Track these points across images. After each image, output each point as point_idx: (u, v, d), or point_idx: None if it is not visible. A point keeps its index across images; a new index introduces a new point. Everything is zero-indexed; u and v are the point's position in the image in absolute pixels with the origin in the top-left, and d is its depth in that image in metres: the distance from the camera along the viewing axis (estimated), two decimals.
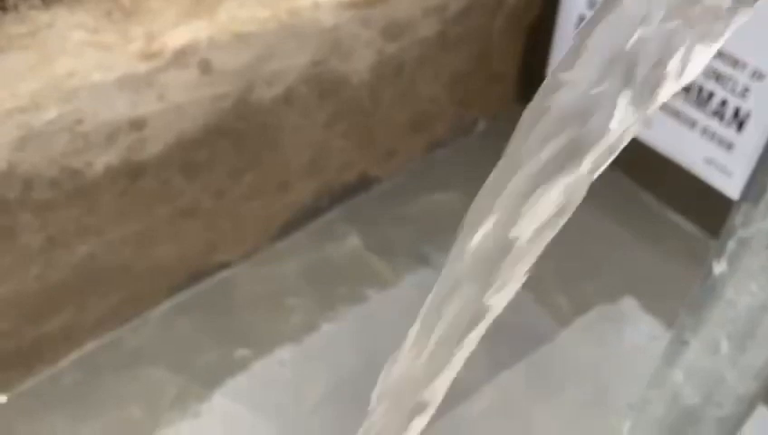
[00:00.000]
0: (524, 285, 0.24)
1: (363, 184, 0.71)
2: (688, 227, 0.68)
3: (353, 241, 0.69)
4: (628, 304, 0.44)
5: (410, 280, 0.66)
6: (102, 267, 0.55)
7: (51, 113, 0.47)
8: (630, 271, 0.61)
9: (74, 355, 0.59)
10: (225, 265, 0.64)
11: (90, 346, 0.59)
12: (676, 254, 0.66)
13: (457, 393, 0.42)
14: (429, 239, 0.70)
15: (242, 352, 0.61)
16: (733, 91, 0.60)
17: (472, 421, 0.39)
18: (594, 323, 0.43)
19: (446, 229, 0.80)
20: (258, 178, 0.61)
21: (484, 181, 0.20)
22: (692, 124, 0.64)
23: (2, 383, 0.55)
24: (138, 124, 0.51)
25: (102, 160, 0.51)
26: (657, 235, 0.69)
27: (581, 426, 0.39)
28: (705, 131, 0.63)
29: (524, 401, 0.40)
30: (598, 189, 0.25)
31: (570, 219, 0.23)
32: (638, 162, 0.68)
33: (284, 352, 0.61)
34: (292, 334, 0.62)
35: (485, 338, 0.25)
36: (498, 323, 0.27)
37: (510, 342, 0.49)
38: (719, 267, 0.24)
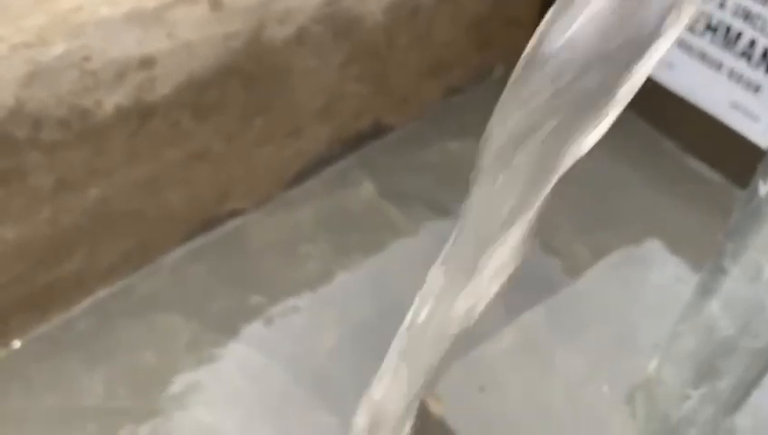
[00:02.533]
0: (541, 235, 0.23)
1: (377, 131, 0.69)
2: (710, 174, 0.66)
3: (368, 189, 0.68)
4: (653, 247, 0.43)
5: (426, 229, 0.65)
6: (114, 212, 0.55)
7: (58, 49, 0.45)
8: (650, 219, 0.60)
9: (87, 302, 0.58)
10: (237, 213, 0.63)
11: (102, 293, 0.59)
12: (697, 202, 0.64)
13: (476, 336, 0.41)
14: (446, 187, 0.69)
15: (256, 299, 0.60)
16: (762, 30, 0.57)
17: (492, 362, 0.38)
18: (617, 265, 0.42)
19: (463, 177, 0.78)
20: (270, 123, 0.60)
21: None
22: (718, 66, 0.62)
23: (16, 329, 0.55)
24: (147, 63, 0.50)
25: (112, 100, 0.49)
26: (678, 182, 0.67)
27: (606, 365, 0.38)
28: (731, 74, 0.61)
29: (546, 342, 0.39)
30: (615, 136, 0.23)
31: (585, 167, 0.21)
32: (659, 107, 0.67)
33: (299, 299, 0.60)
34: (306, 282, 0.62)
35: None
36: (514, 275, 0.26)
37: (527, 289, 0.48)
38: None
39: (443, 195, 0.70)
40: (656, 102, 0.66)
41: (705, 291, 0.27)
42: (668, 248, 0.42)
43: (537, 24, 0.20)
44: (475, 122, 0.79)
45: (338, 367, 0.58)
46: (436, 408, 0.37)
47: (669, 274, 0.40)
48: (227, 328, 0.59)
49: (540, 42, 0.18)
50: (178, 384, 0.55)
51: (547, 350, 0.38)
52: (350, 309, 0.62)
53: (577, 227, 0.64)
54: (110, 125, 0.50)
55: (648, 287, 0.40)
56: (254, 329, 0.59)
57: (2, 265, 0.51)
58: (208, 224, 0.63)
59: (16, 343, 0.57)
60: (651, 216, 0.62)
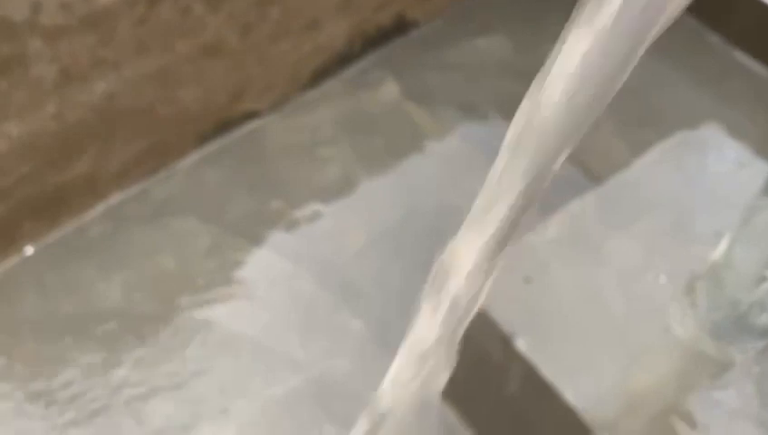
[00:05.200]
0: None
1: (400, 27, 0.65)
2: (757, 67, 0.62)
3: (391, 89, 0.64)
4: (711, 131, 0.39)
5: (454, 131, 0.61)
6: (123, 109, 0.51)
7: None
8: (694, 116, 0.56)
9: (100, 207, 0.55)
10: (254, 115, 0.60)
11: (116, 197, 0.56)
12: (744, 98, 0.60)
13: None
14: (474, 86, 0.65)
15: (277, 204, 0.57)
16: None
17: (539, 252, 0.35)
18: (673, 150, 0.38)
19: (490, 76, 0.73)
20: (286, 13, 0.56)
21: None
22: None
23: (28, 234, 0.53)
24: None
25: None
26: (724, 78, 0.63)
27: (661, 254, 0.35)
28: None
29: (597, 231, 0.36)
30: None
31: None
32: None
33: (321, 204, 0.57)
34: (328, 186, 0.59)
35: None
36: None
37: (570, 186, 0.45)
38: None
39: (471, 95, 0.66)
40: None
41: None
42: (728, 131, 0.38)
43: None
44: (502, 19, 0.74)
45: (362, 271, 0.56)
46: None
47: (730, 159, 0.37)
48: (248, 233, 0.57)
49: None
50: (199, 289, 0.53)
51: (598, 239, 0.35)
52: (374, 214, 0.59)
53: (617, 126, 0.61)
54: (116, 10, 0.46)
55: (707, 173, 0.37)
56: (276, 234, 0.56)
57: (8, 163, 0.48)
58: (223, 126, 0.59)
59: (29, 250, 0.55)
60: (695, 113, 0.58)
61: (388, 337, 0.53)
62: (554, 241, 0.35)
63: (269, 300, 0.53)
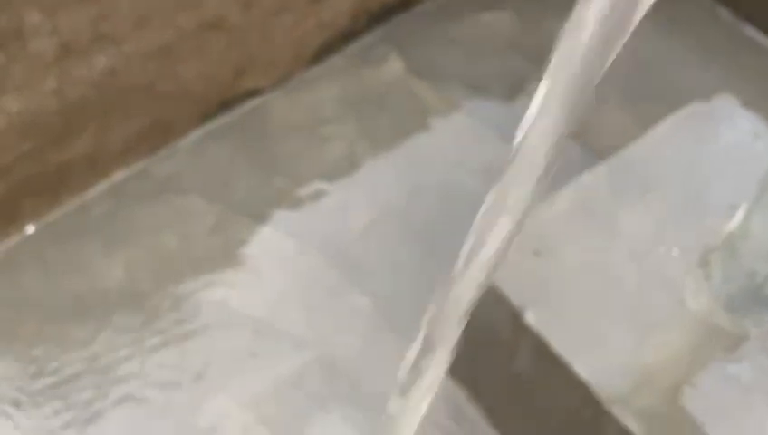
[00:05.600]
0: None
1: (404, 3, 0.64)
2: None
3: (395, 66, 0.63)
4: (724, 102, 0.39)
5: (460, 107, 0.60)
6: (124, 85, 0.50)
7: None
8: (702, 91, 0.55)
9: (102, 185, 0.55)
10: (256, 92, 0.59)
11: (118, 176, 0.55)
12: (754, 74, 0.59)
13: None
14: (480, 62, 0.64)
15: (281, 182, 0.56)
16: None
17: (548, 225, 0.35)
18: (685, 121, 0.38)
19: (498, 52, 0.72)
20: None
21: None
22: None
23: (29, 213, 0.52)
24: None
25: None
26: (733, 53, 0.62)
27: (674, 227, 0.34)
28: None
29: (608, 204, 0.35)
30: (664, 5, 0.22)
31: (632, 39, 0.19)
32: None
33: (325, 182, 0.57)
34: (332, 164, 0.58)
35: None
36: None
37: (578, 162, 0.45)
38: None
39: (477, 70, 0.65)
40: None
41: None
42: (743, 102, 0.37)
43: None
44: None
45: (368, 249, 0.55)
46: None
47: (744, 129, 0.36)
48: (252, 211, 0.56)
49: None
50: (203, 268, 0.52)
51: (609, 212, 0.34)
52: (379, 191, 0.58)
53: (625, 102, 0.60)
54: None
55: (721, 144, 0.36)
56: (280, 212, 0.56)
57: (8, 140, 0.48)
58: (226, 104, 0.58)
59: (30, 228, 0.54)
60: (705, 88, 0.57)
61: (395, 315, 0.52)
62: (565, 214, 0.35)
63: (273, 278, 0.52)
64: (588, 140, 0.57)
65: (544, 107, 0.19)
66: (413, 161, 0.59)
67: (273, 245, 0.54)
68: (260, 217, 0.56)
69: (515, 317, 0.32)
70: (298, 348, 0.49)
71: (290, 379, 0.48)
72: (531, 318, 0.32)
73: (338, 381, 0.48)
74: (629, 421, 0.29)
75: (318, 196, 0.57)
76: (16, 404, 0.46)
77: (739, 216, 0.30)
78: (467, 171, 0.57)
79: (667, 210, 0.35)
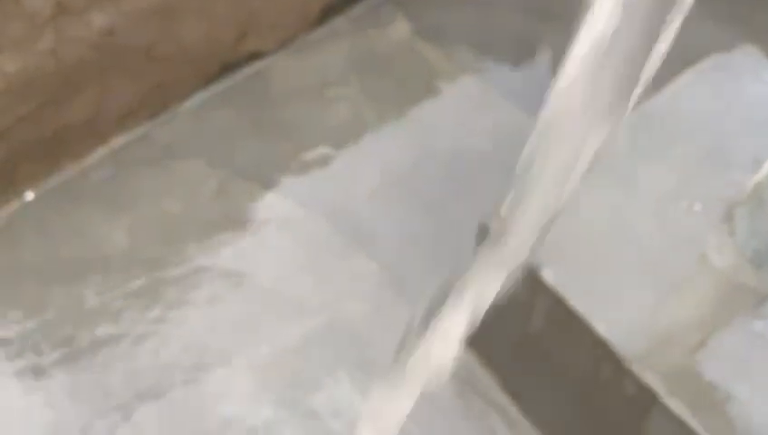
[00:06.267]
0: None
1: None
2: None
3: (402, 27, 0.61)
4: (747, 53, 0.37)
5: (469, 70, 0.59)
6: (123, 46, 0.49)
7: None
8: (723, 50, 0.53)
9: (102, 150, 0.53)
10: (259, 55, 0.57)
11: (118, 141, 0.54)
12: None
13: None
14: (486, 25, 0.62)
15: (285, 146, 0.55)
16: None
17: None
18: (706, 74, 0.36)
19: (504, 13, 0.69)
20: None
21: None
22: None
23: (28, 178, 0.51)
24: None
25: None
26: (753, 12, 0.60)
27: (697, 182, 0.33)
28: None
29: (628, 159, 0.34)
30: None
31: None
32: None
33: (331, 147, 0.55)
34: (337, 128, 0.56)
35: None
36: None
37: None
38: None
39: (485, 32, 0.63)
40: None
41: None
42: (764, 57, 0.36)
43: None
44: None
45: (375, 214, 0.54)
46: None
47: None
48: (257, 176, 0.54)
49: None
50: (207, 234, 0.51)
51: (628, 166, 0.33)
52: (385, 155, 0.57)
53: None
54: None
55: (744, 96, 0.35)
56: (285, 177, 0.54)
57: (5, 102, 0.46)
58: (228, 66, 0.57)
59: (29, 195, 0.53)
60: (725, 47, 0.56)
61: (402, 279, 0.51)
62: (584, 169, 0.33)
63: (280, 244, 0.51)
64: None
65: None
66: (420, 125, 0.57)
67: (279, 210, 0.53)
68: (264, 183, 0.54)
69: (532, 275, 0.31)
70: (305, 314, 0.48)
71: (297, 344, 0.47)
72: (548, 276, 0.31)
73: (345, 347, 0.47)
74: (651, 379, 0.28)
75: (323, 160, 0.56)
76: (19, 371, 0.45)
77: (765, 169, 0.29)
78: (476, 135, 0.56)
79: (689, 165, 0.33)
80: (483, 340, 0.41)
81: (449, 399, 0.45)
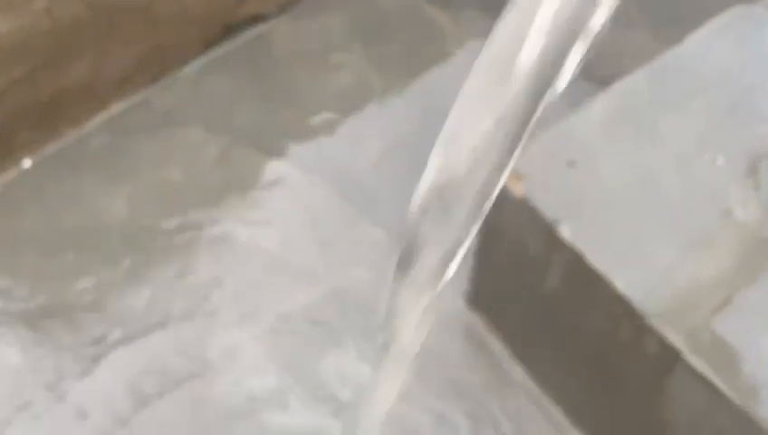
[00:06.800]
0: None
1: None
2: None
3: None
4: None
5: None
6: (120, 5, 0.47)
7: None
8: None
9: (101, 117, 0.52)
10: (261, 18, 0.56)
11: (117, 107, 0.52)
12: None
13: (560, 108, 0.34)
14: None
15: (288, 112, 0.53)
16: None
17: (583, 134, 0.32)
18: (729, 24, 0.35)
19: None
20: None
21: None
22: None
23: (25, 145, 0.50)
24: None
25: None
26: None
27: (719, 134, 0.32)
28: None
29: (648, 111, 0.32)
30: None
31: None
32: None
33: (335, 113, 0.54)
34: (341, 94, 0.55)
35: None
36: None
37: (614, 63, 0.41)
38: None
39: None
40: None
41: None
42: None
43: None
44: None
45: (380, 180, 0.53)
46: (516, 187, 0.31)
47: None
48: (259, 143, 0.53)
49: None
50: (209, 202, 0.50)
51: (649, 119, 0.32)
52: (391, 121, 0.55)
53: (652, 27, 0.56)
54: None
55: (767, 47, 0.33)
56: (288, 144, 0.53)
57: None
58: (229, 29, 0.55)
59: (27, 162, 0.52)
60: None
61: None
62: (600, 121, 0.32)
63: (283, 212, 0.50)
64: (616, 69, 0.54)
65: None
66: (426, 89, 0.56)
67: (282, 177, 0.52)
68: (267, 149, 0.53)
69: (548, 232, 0.30)
70: (311, 282, 0.47)
71: (302, 312, 0.45)
72: (565, 231, 0.30)
73: (352, 315, 0.46)
74: (674, 337, 0.27)
75: (327, 126, 0.54)
76: (20, 340, 0.44)
77: None
78: None
79: (711, 117, 0.32)
80: (492, 303, 0.40)
81: (455, 366, 0.44)
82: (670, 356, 0.28)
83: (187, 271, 0.47)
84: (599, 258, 0.29)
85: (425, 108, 0.56)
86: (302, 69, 0.56)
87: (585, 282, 0.30)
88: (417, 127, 0.55)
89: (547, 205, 0.30)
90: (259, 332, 0.45)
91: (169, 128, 0.53)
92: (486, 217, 0.22)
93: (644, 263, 0.29)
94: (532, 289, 0.34)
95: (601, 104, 0.32)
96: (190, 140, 0.53)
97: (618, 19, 0.19)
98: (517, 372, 0.41)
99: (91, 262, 0.47)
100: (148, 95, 0.54)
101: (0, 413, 0.42)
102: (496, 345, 0.42)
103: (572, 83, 0.20)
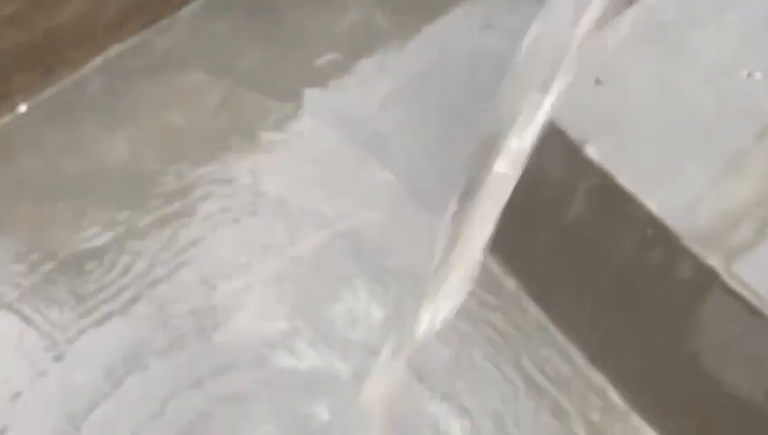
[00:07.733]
0: None
1: None
2: None
3: None
4: None
5: None
6: None
7: None
8: None
9: (98, 60, 0.50)
10: None
11: (114, 49, 0.50)
12: None
13: None
14: None
15: (292, 54, 0.51)
16: None
17: (612, 50, 0.30)
18: None
19: None
20: None
21: None
22: None
23: (21, 89, 0.48)
24: None
25: None
26: None
27: (756, 48, 0.30)
28: None
29: (678, 25, 0.31)
30: None
31: None
32: None
33: (341, 54, 0.51)
34: (347, 35, 0.53)
35: None
36: None
37: None
38: None
39: None
40: None
41: None
42: None
43: None
44: None
45: (388, 122, 0.50)
46: None
47: None
48: (263, 86, 0.51)
49: None
50: (212, 147, 0.48)
51: (680, 34, 0.30)
52: (398, 60, 0.53)
53: None
54: None
55: None
56: (293, 86, 0.51)
57: None
58: None
59: (22, 107, 0.50)
60: None
61: (418, 186, 0.48)
62: (628, 38, 0.30)
63: (289, 155, 0.48)
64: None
65: None
66: (436, 27, 0.53)
67: (287, 121, 0.50)
68: (271, 93, 0.51)
69: (574, 153, 0.28)
70: (320, 225, 0.46)
71: (312, 256, 0.44)
72: (592, 152, 0.28)
73: (363, 258, 0.44)
74: (711, 259, 0.26)
75: (334, 68, 0.52)
76: (19, 293, 0.43)
77: None
78: (496, 35, 0.52)
79: (747, 30, 0.30)
80: (507, 245, 0.38)
81: (473, 311, 0.42)
82: (706, 279, 0.26)
83: (190, 216, 0.45)
84: (629, 180, 0.27)
85: (432, 45, 0.53)
86: (305, 10, 0.54)
87: (614, 206, 0.28)
88: (424, 65, 0.53)
89: (572, 125, 0.28)
90: (268, 275, 0.43)
91: (169, 71, 0.51)
92: None
93: (677, 183, 0.28)
94: (554, 222, 0.33)
95: (629, 20, 0.30)
96: (191, 84, 0.51)
97: None
98: (534, 313, 0.40)
99: (91, 208, 0.45)
100: (147, 37, 0.51)
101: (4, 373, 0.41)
102: (512, 287, 0.41)
103: None
